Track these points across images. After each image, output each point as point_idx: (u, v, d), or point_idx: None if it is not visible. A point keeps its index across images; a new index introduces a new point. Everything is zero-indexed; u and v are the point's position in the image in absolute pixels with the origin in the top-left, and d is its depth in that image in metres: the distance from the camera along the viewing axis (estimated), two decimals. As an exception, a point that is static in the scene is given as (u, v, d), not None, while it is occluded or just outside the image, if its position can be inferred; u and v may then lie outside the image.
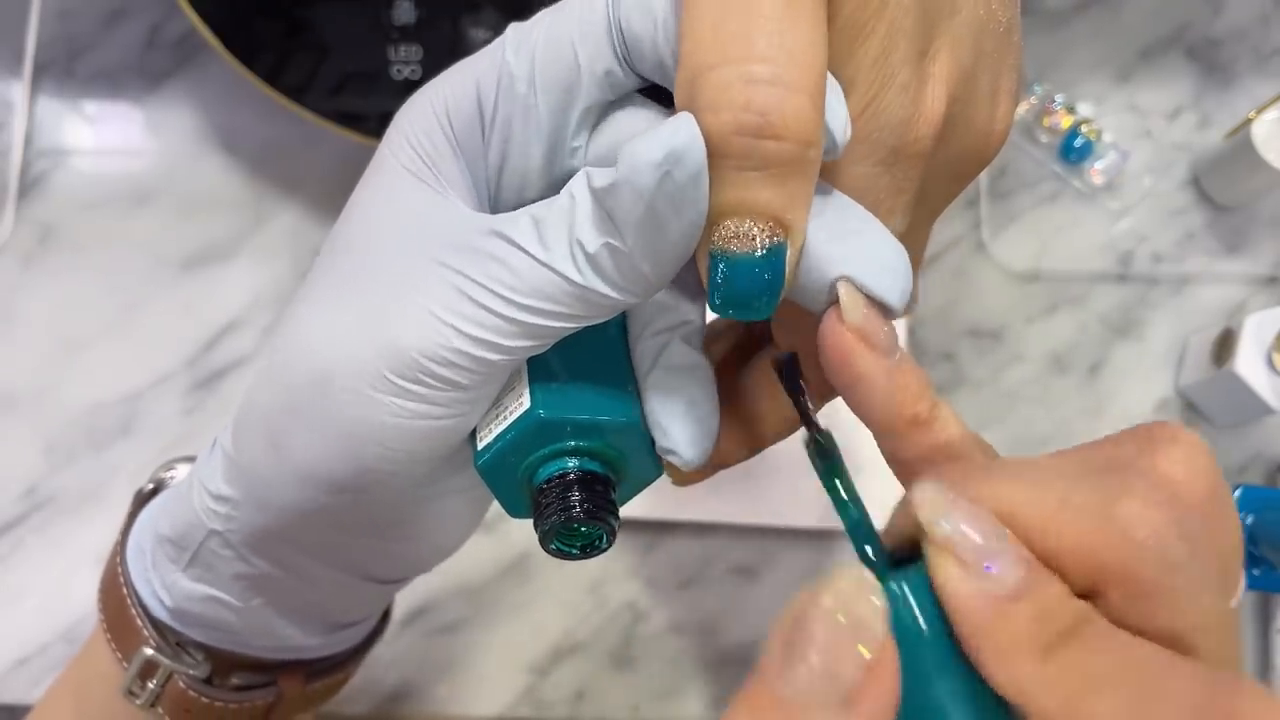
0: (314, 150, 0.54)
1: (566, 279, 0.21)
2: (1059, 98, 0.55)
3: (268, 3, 0.46)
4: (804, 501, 0.50)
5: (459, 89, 0.23)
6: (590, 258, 0.21)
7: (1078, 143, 0.54)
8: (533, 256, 0.21)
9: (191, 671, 0.30)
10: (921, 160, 0.22)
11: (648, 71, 0.21)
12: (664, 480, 0.26)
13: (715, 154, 0.19)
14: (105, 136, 0.54)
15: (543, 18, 0.22)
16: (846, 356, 0.21)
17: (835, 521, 0.53)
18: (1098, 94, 0.56)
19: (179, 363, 0.51)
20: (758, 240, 0.20)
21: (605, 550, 0.24)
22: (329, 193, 0.54)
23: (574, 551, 0.24)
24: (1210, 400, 0.51)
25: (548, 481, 0.23)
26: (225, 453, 0.27)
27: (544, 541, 0.24)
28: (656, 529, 0.51)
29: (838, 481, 0.23)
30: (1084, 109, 0.55)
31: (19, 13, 0.54)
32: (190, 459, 0.33)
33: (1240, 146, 0.51)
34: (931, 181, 0.23)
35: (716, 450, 0.25)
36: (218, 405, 0.51)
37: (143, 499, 0.33)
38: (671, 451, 0.24)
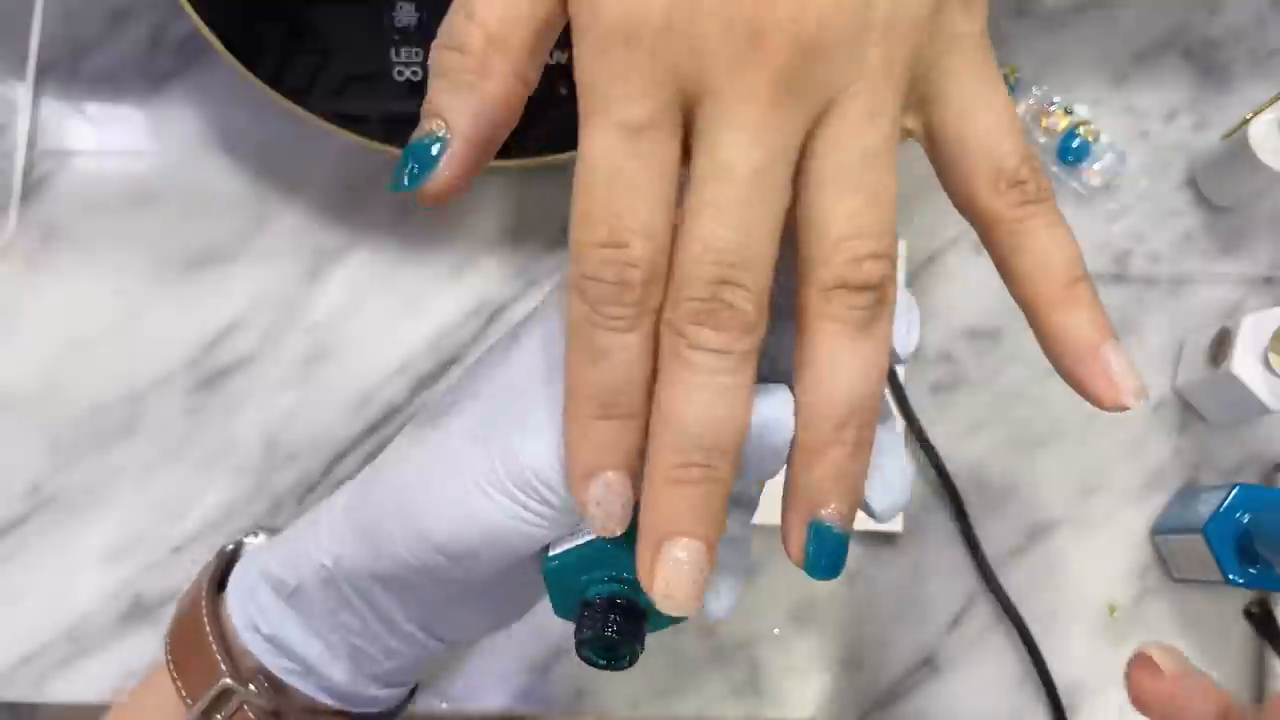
0: (316, 152, 0.54)
1: None
2: (1056, 99, 0.56)
3: (270, 5, 0.46)
4: (803, 501, 0.50)
5: None
6: None
7: (1075, 144, 0.55)
8: None
9: (261, 703, 0.34)
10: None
11: None
12: None
13: None
14: (108, 138, 0.54)
15: None
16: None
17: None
18: (1095, 95, 0.56)
19: (181, 363, 0.52)
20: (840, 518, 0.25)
21: (627, 668, 0.28)
22: (331, 194, 0.54)
23: (600, 662, 0.28)
24: (1207, 400, 0.52)
25: (596, 599, 0.28)
26: (347, 508, 0.32)
27: (579, 647, 0.28)
28: (656, 528, 0.51)
29: None
30: (1081, 110, 0.56)
31: (22, 14, 0.54)
32: (268, 528, 0.41)
33: (1237, 148, 0.51)
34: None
35: None
36: (220, 405, 0.51)
37: (225, 555, 0.38)
38: (702, 608, 0.30)
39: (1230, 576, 0.47)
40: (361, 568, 0.31)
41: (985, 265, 0.56)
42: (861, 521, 0.50)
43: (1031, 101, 0.56)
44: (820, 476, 0.25)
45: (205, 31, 0.45)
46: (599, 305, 0.24)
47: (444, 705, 0.48)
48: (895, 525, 0.50)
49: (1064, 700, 0.49)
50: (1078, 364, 0.26)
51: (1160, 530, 0.51)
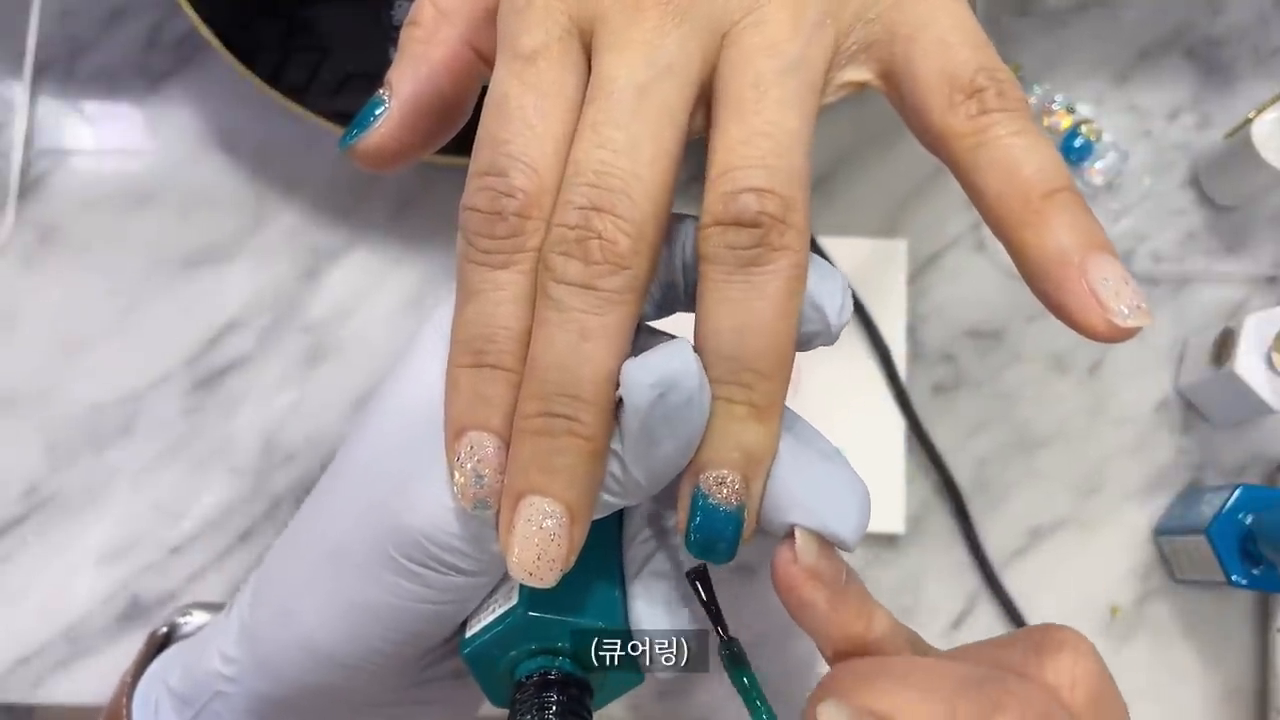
0: (314, 150, 0.54)
1: None
2: (1059, 98, 0.55)
3: (268, 3, 0.46)
4: (804, 501, 0.50)
5: None
6: None
7: (1077, 143, 0.54)
8: None
9: None
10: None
11: None
12: None
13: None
14: (106, 136, 0.54)
15: None
16: (795, 588, 0.23)
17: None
18: (1097, 94, 0.56)
19: (179, 363, 0.51)
20: (736, 494, 0.22)
21: None
22: (329, 194, 0.54)
23: None
24: (1209, 400, 0.51)
25: (526, 678, 0.24)
26: (240, 616, 0.28)
27: None
28: (656, 529, 0.51)
29: (747, 682, 0.25)
30: (1084, 109, 0.55)
31: (19, 12, 0.54)
32: (206, 605, 0.36)
33: (1240, 146, 0.51)
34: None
35: None
36: (217, 405, 0.51)
37: (156, 642, 0.34)
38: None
39: (1233, 578, 0.47)
40: (259, 693, 0.27)
41: (986, 265, 0.56)
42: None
43: (1033, 100, 0.55)
44: (705, 435, 0.22)
45: (203, 30, 0.45)
46: (473, 237, 0.22)
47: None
48: (896, 526, 0.50)
49: (1066, 702, 0.49)
50: (1057, 286, 0.21)
51: (1163, 531, 0.51)
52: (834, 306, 0.22)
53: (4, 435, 0.50)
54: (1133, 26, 0.57)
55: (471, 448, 0.22)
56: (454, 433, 0.22)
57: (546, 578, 0.22)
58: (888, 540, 0.51)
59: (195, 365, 0.52)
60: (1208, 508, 0.48)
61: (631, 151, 0.21)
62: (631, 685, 0.26)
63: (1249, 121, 0.51)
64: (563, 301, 0.21)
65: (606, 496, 0.23)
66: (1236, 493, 0.47)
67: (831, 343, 0.23)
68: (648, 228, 0.21)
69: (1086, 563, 0.51)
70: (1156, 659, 0.50)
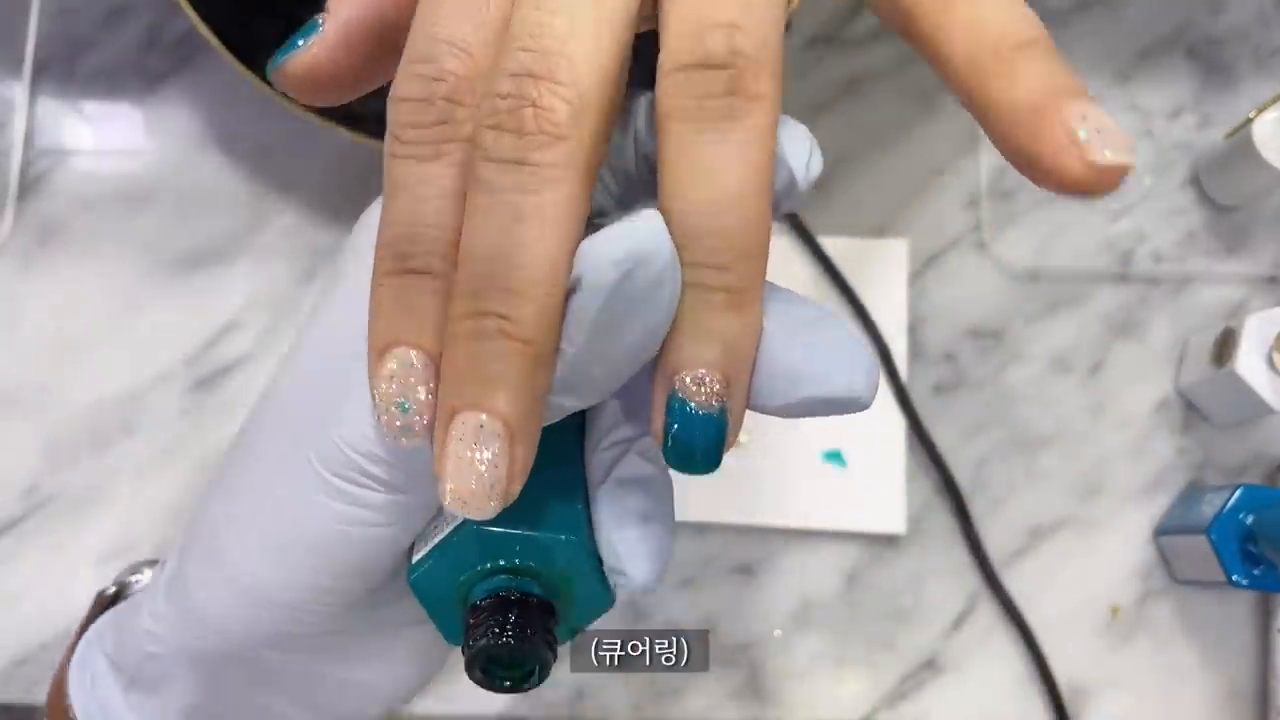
0: (314, 150, 0.54)
1: None
2: (1059, 97, 0.55)
3: (268, 2, 0.46)
4: (804, 501, 0.50)
5: None
6: None
7: (1078, 142, 0.54)
8: None
9: None
10: None
11: None
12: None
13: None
14: (105, 136, 0.54)
15: None
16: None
17: (834, 522, 0.54)
18: (1098, 94, 0.56)
19: (178, 362, 0.51)
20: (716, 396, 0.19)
21: (537, 685, 0.22)
22: (328, 193, 0.54)
23: (502, 681, 0.22)
24: (1210, 400, 0.51)
25: (481, 600, 0.21)
26: (170, 569, 0.26)
27: (469, 667, 0.21)
28: (656, 529, 0.50)
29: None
30: (1084, 109, 0.55)
31: (19, 12, 0.54)
32: (156, 562, 0.33)
33: (1241, 146, 0.51)
34: None
35: None
36: (217, 405, 0.51)
37: (103, 603, 0.31)
38: (620, 572, 0.23)
39: (1234, 578, 0.47)
40: (188, 649, 0.25)
41: (986, 265, 0.56)
42: (863, 523, 0.50)
43: (1034, 100, 0.55)
44: (676, 330, 0.19)
45: (202, 29, 0.45)
46: (400, 129, 0.19)
47: (440, 708, 0.48)
48: (897, 526, 0.50)
49: (1067, 702, 0.49)
50: (1028, 134, 0.18)
51: (1163, 531, 0.51)
52: (800, 160, 0.20)
53: (4, 435, 0.50)
54: (1133, 26, 0.57)
55: (396, 366, 0.19)
56: (378, 351, 0.20)
57: (484, 508, 0.19)
58: (888, 540, 0.51)
59: (195, 365, 0.51)
60: (1208, 508, 0.48)
61: (572, 10, 0.18)
62: (601, 609, 0.24)
63: (1250, 121, 0.51)
64: (493, 182, 0.18)
65: (558, 399, 0.20)
66: (1237, 493, 0.47)
67: (798, 206, 0.20)
68: (592, 96, 0.18)
69: (1087, 563, 0.51)
70: (1156, 659, 0.50)
